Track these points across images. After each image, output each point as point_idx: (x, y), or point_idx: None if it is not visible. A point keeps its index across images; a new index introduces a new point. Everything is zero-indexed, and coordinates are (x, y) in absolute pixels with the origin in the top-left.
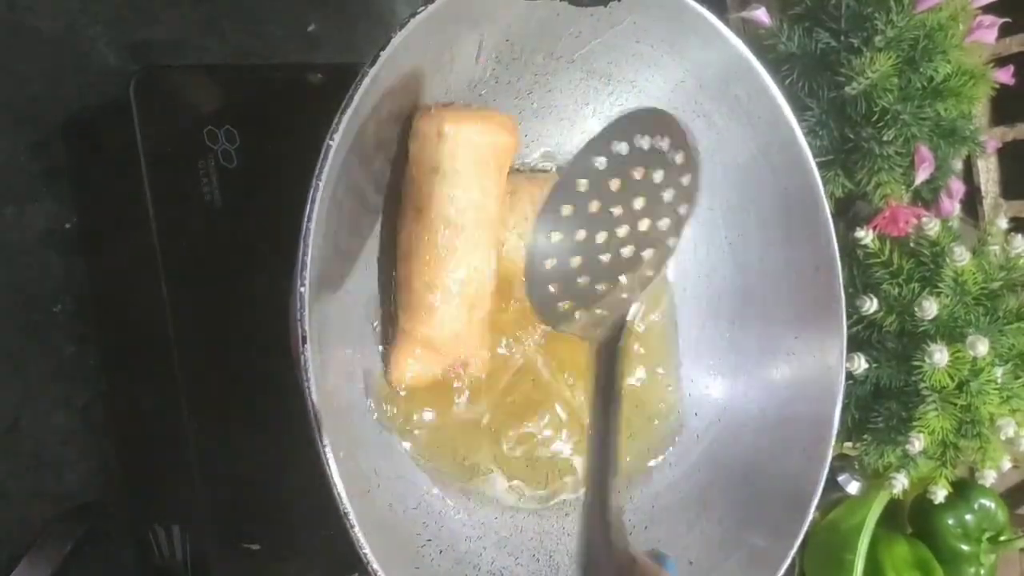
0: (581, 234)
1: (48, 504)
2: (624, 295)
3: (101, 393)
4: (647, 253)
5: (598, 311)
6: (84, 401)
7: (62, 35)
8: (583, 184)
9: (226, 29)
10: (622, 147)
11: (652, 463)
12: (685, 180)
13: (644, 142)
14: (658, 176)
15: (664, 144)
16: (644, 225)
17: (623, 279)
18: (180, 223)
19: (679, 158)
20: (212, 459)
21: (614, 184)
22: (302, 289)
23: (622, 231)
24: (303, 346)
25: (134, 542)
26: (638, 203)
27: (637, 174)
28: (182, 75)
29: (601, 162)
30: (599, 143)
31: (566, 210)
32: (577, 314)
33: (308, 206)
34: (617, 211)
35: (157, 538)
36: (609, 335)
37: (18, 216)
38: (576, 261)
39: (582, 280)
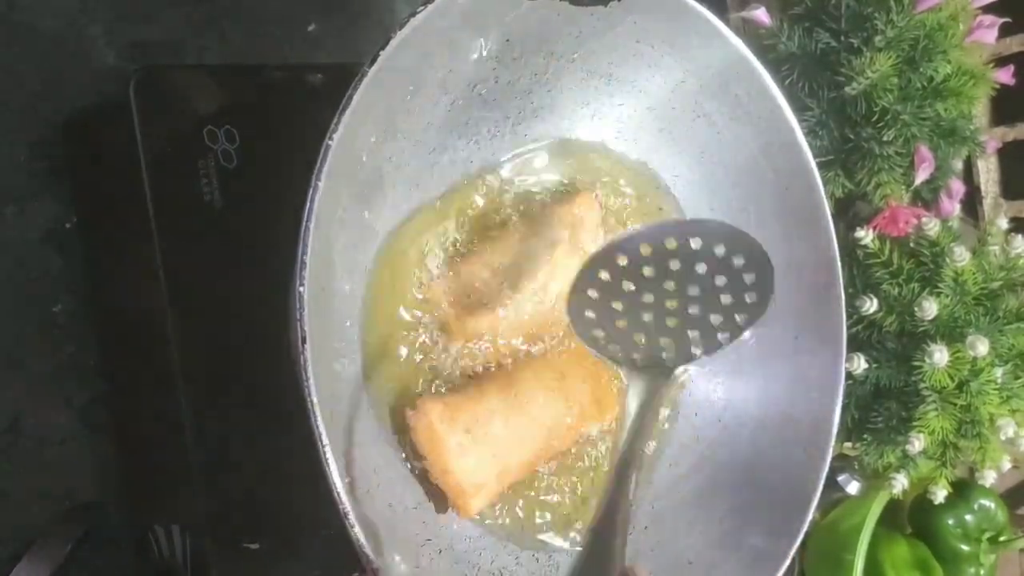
0: (628, 286)
1: (48, 504)
2: (664, 355)
3: (101, 393)
4: (693, 334)
5: (663, 340)
6: (84, 401)
7: (62, 35)
8: (646, 250)
9: (226, 29)
10: (696, 242)
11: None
12: (750, 297)
13: (719, 250)
14: (720, 280)
15: (739, 261)
16: (694, 310)
17: (663, 341)
18: (180, 223)
19: (749, 278)
20: (212, 459)
21: (673, 265)
22: (301, 289)
23: (670, 303)
24: (303, 346)
25: (134, 542)
26: (692, 290)
27: (700, 269)
28: (182, 75)
29: (671, 242)
30: (676, 227)
31: (621, 260)
32: (611, 346)
33: (308, 206)
34: (668, 286)
35: (157, 538)
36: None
37: (18, 215)
38: (619, 305)
39: (621, 323)
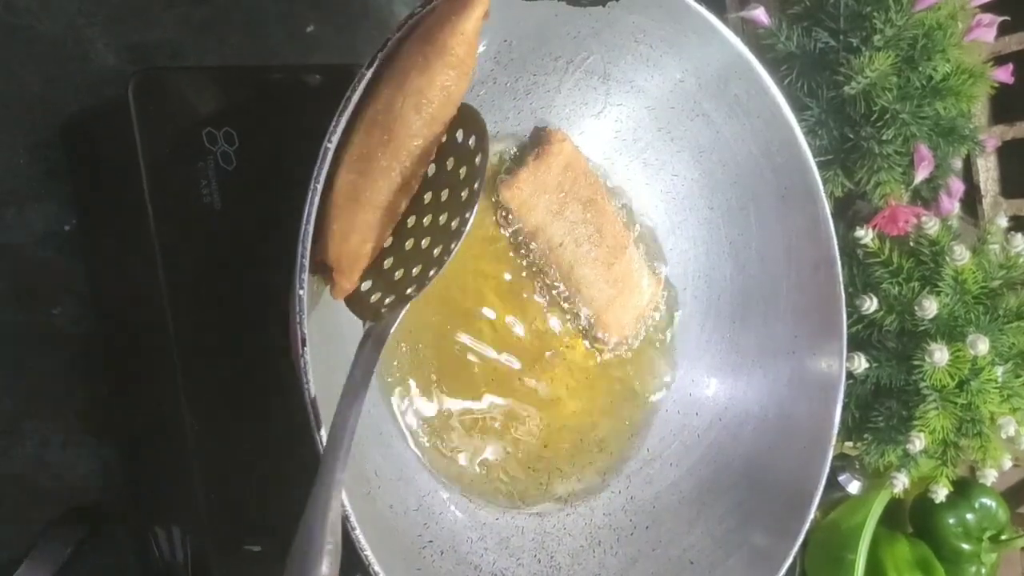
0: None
1: (49, 506)
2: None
3: (101, 395)
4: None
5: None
6: (84, 403)
7: (61, 37)
8: None
9: (225, 31)
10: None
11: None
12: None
13: (458, 134)
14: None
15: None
16: (443, 218)
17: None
18: (179, 225)
19: (471, 142)
20: (213, 460)
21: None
22: (301, 292)
23: (427, 219)
24: (302, 348)
25: (135, 544)
26: (444, 195)
27: (449, 164)
28: (181, 77)
29: None
30: None
31: None
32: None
33: (306, 208)
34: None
35: (158, 539)
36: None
37: (18, 218)
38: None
39: (396, 274)
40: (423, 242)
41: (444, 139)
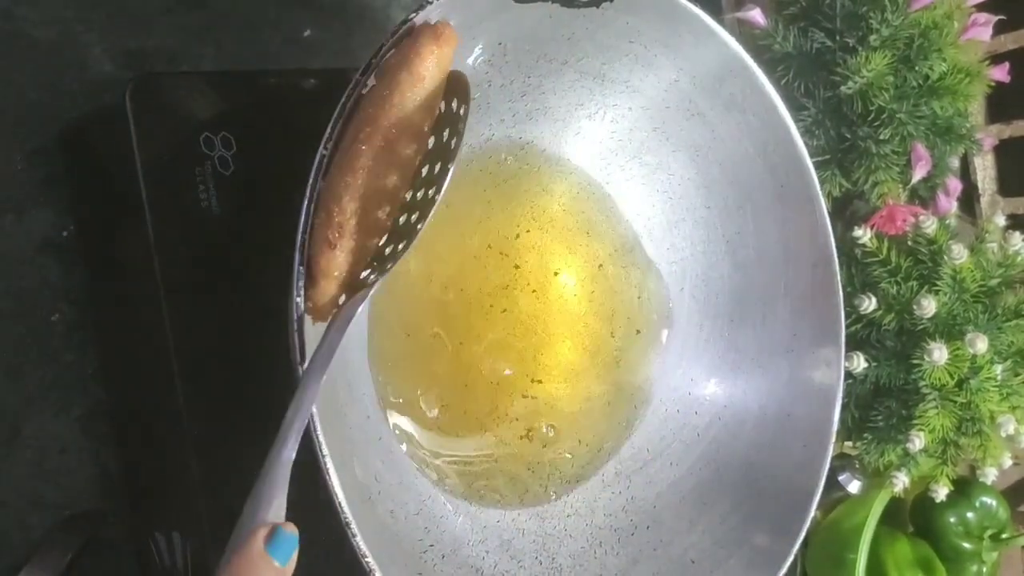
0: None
1: (48, 513)
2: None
3: (100, 401)
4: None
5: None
6: (83, 409)
7: (58, 43)
8: None
9: (221, 36)
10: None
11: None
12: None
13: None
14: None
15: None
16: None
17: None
18: (177, 230)
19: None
20: (212, 466)
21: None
22: (298, 299)
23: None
24: (300, 355)
25: (135, 550)
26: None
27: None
28: (178, 82)
29: None
30: None
31: None
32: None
33: (303, 216)
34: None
35: (158, 546)
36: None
37: (16, 224)
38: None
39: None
40: (412, 217)
41: (441, 110)
